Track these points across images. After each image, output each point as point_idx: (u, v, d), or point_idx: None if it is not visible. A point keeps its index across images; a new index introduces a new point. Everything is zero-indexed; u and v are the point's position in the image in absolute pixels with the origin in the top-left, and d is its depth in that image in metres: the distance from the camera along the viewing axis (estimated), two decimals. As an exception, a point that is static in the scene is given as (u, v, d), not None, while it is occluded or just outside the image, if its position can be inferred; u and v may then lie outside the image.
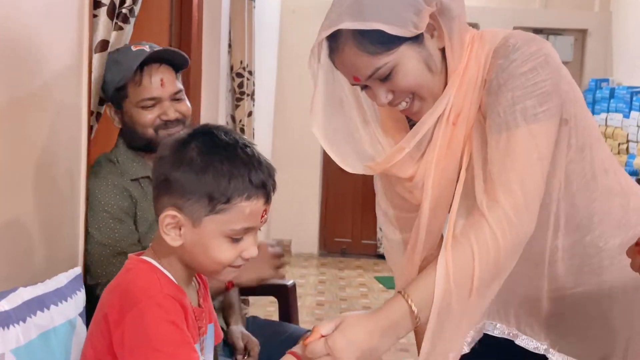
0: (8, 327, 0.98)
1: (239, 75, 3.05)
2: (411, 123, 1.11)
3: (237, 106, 3.07)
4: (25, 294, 1.06)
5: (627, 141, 4.23)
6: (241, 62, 3.05)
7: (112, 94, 1.47)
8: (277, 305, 1.96)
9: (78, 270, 1.25)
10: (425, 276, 0.96)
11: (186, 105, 1.50)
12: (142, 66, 1.43)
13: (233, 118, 3.07)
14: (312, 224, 5.24)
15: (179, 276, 0.99)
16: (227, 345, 1.66)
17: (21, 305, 1.03)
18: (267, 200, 0.97)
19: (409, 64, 0.99)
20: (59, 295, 1.14)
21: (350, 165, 1.09)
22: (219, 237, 0.94)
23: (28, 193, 1.21)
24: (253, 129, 3.27)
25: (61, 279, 1.18)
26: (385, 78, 1.00)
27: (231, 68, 3.05)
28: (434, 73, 1.02)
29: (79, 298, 1.20)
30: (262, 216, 0.97)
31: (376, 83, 1.02)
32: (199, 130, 0.99)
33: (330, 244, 5.29)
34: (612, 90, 4.52)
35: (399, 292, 0.96)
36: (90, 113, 1.44)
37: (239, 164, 0.94)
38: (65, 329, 1.11)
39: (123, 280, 0.97)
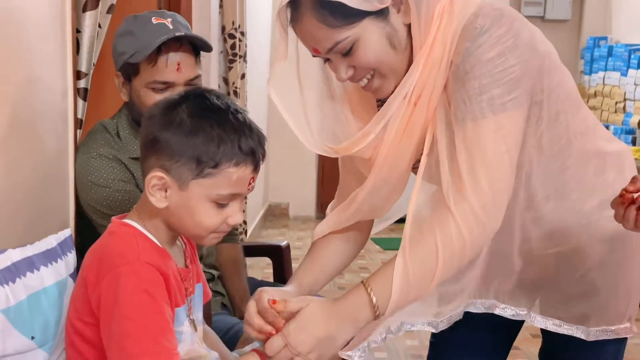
0: (-3, 288, 0.98)
1: (231, 36, 3.00)
2: (379, 103, 1.08)
3: (229, 68, 3.02)
4: (14, 255, 1.06)
5: (624, 100, 4.20)
6: (233, 23, 2.99)
7: (121, 66, 1.37)
8: (272, 267, 1.97)
9: (68, 232, 1.24)
10: (387, 268, 0.96)
11: None
12: (159, 45, 1.30)
13: (225, 80, 3.03)
14: (309, 187, 5.25)
15: (162, 238, 0.99)
16: (225, 306, 1.66)
17: (10, 266, 1.03)
18: (256, 168, 0.96)
19: (371, 39, 0.95)
20: (49, 257, 1.14)
21: (310, 142, 1.06)
22: (205, 202, 0.94)
23: (12, 153, 1.19)
24: (246, 92, 3.23)
25: (51, 241, 1.18)
26: (346, 53, 0.96)
27: (223, 29, 2.99)
28: (397, 50, 0.97)
29: (70, 260, 1.20)
30: (250, 183, 0.96)
31: (337, 57, 0.97)
32: (191, 93, 0.97)
33: (327, 206, 5.30)
34: (610, 48, 4.47)
35: (362, 282, 0.97)
36: (76, 73, 1.41)
37: (230, 129, 0.93)
38: (56, 290, 1.11)
39: (103, 244, 0.97)
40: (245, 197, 1.00)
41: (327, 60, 1.01)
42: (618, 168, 1.10)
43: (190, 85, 1.37)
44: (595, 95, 4.56)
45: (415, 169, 1.05)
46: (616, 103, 4.27)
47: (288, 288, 1.07)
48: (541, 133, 1.03)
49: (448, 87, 0.98)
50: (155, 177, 0.94)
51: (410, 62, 0.98)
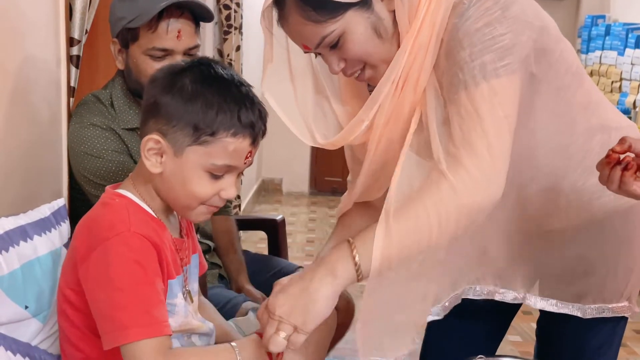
0: (-10, 256, 0.96)
1: (226, 7, 2.95)
2: (370, 88, 1.06)
3: (224, 40, 2.97)
4: (7, 223, 1.04)
5: (621, 79, 4.18)
6: (228, -6, 2.94)
7: (119, 32, 1.34)
8: (266, 242, 1.97)
9: (62, 201, 1.23)
10: (373, 228, 0.90)
11: None
12: (160, 10, 1.28)
13: (220, 52, 2.99)
14: (303, 163, 5.23)
15: (157, 207, 0.98)
16: (222, 278, 1.65)
17: (3, 235, 1.01)
18: (254, 142, 0.95)
19: (357, 31, 0.94)
20: (42, 226, 1.13)
21: (307, 137, 1.05)
22: (199, 170, 0.93)
23: (5, 122, 1.17)
24: (241, 64, 3.19)
25: (44, 210, 1.16)
26: (334, 46, 0.95)
27: (217, 0, 2.94)
28: (384, 39, 0.96)
29: (63, 229, 1.19)
30: (247, 157, 0.95)
31: (326, 51, 0.97)
32: (196, 62, 0.96)
33: (321, 183, 5.30)
34: (608, 27, 4.44)
35: (347, 240, 0.92)
36: (69, 40, 1.38)
37: (230, 99, 0.92)
38: (49, 260, 1.10)
39: (95, 215, 0.96)
40: (241, 173, 0.98)
41: (318, 54, 1.00)
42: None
43: (189, 55, 1.35)
44: (591, 74, 4.54)
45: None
46: (612, 82, 4.25)
47: None
48: (541, 108, 1.01)
49: (438, 67, 0.97)
50: (152, 139, 0.92)
51: (398, 48, 0.97)
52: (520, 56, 0.94)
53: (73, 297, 0.95)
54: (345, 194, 1.16)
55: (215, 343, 1.07)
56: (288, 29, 0.97)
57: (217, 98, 0.91)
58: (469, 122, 0.91)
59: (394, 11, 0.95)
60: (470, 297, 1.16)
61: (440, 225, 0.90)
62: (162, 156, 0.93)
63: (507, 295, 1.15)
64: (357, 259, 0.89)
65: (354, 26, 0.94)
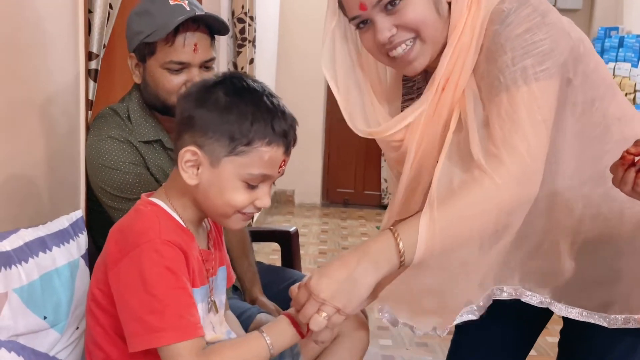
0: (10, 267, 0.98)
1: (241, 20, 2.98)
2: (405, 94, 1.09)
3: (238, 53, 3.01)
4: (27, 235, 1.06)
5: (635, 91, 4.16)
6: (242, 7, 2.98)
7: (136, 46, 1.36)
8: (279, 253, 1.97)
9: (79, 213, 1.24)
10: (417, 218, 0.94)
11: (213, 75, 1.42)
12: (177, 25, 1.30)
13: (235, 65, 3.02)
14: (315, 174, 5.24)
15: (188, 218, 0.99)
16: (236, 289, 1.66)
17: (22, 246, 1.03)
18: (287, 150, 0.97)
19: None
20: (61, 237, 1.14)
21: (355, 126, 1.08)
22: (236, 180, 0.95)
23: (26, 135, 1.19)
24: (255, 77, 3.22)
25: (63, 222, 1.18)
26: (393, 7, 0.97)
27: (232, 13, 2.98)
28: (441, 16, 0.99)
29: (81, 240, 1.20)
30: (281, 166, 0.97)
31: (381, 15, 0.98)
32: (227, 75, 0.99)
33: (333, 194, 5.30)
34: (622, 39, 4.42)
35: (389, 228, 0.95)
36: (88, 55, 1.40)
37: (264, 109, 0.94)
38: (68, 271, 1.12)
39: (128, 221, 0.98)
40: (273, 182, 1.00)
41: (361, 25, 1.00)
42: None
43: (205, 67, 1.37)
44: (605, 86, 4.53)
45: None
46: (626, 94, 4.24)
47: None
48: (578, 116, 1.03)
49: (478, 70, 0.99)
50: (189, 151, 0.94)
51: (446, 38, 1.00)
52: (559, 61, 0.97)
53: (100, 297, 0.97)
54: (388, 211, 1.15)
55: None
56: None
57: (251, 108, 0.94)
58: (509, 124, 0.94)
59: (449, 3, 0.99)
60: (499, 297, 1.15)
61: (482, 219, 0.94)
62: (198, 168, 0.95)
63: (533, 298, 1.15)
64: (401, 247, 0.92)
65: None
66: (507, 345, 1.27)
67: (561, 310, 1.14)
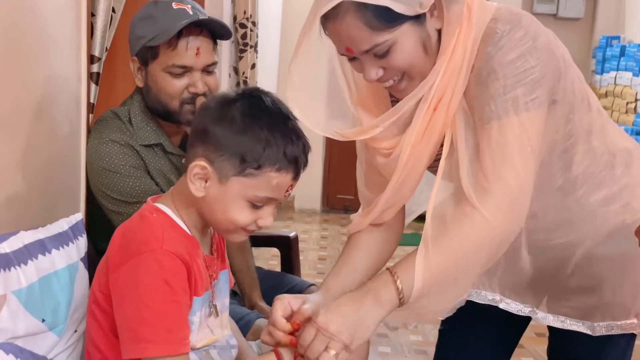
0: (9, 269, 0.98)
1: (243, 26, 2.99)
2: (393, 99, 1.08)
3: (240, 58, 3.02)
4: (26, 237, 1.06)
5: (636, 100, 4.16)
6: (245, 13, 2.99)
7: (139, 50, 1.36)
8: (279, 259, 1.97)
9: (79, 216, 1.24)
10: (412, 257, 0.97)
11: (215, 79, 1.40)
12: (180, 29, 1.30)
13: (236, 70, 3.03)
14: (315, 180, 5.23)
15: (193, 225, 1.00)
16: (235, 294, 1.65)
17: (22, 248, 1.03)
18: (296, 176, 0.97)
19: (407, 43, 0.96)
20: (61, 240, 1.14)
21: (318, 126, 1.06)
22: (241, 200, 0.95)
23: (27, 137, 1.19)
24: (256, 81, 3.22)
25: (62, 224, 1.18)
26: (381, 55, 0.96)
27: (234, 18, 2.99)
28: (429, 54, 0.98)
29: (81, 243, 1.20)
30: (287, 190, 0.97)
31: (369, 58, 0.98)
32: (247, 92, 0.99)
33: (333, 200, 5.30)
34: (623, 48, 4.43)
35: (387, 268, 0.98)
36: (90, 58, 1.41)
37: (278, 134, 0.94)
38: (67, 274, 1.12)
39: (132, 227, 0.98)
40: (279, 203, 1.01)
41: (352, 59, 1.01)
42: (627, 163, 1.11)
43: (207, 72, 1.37)
44: (606, 95, 4.53)
45: (431, 168, 1.07)
46: (627, 103, 4.24)
47: (315, 297, 1.05)
48: (555, 132, 1.04)
49: (469, 92, 0.99)
50: (199, 165, 0.95)
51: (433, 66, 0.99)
52: (548, 87, 0.98)
53: (102, 300, 0.97)
54: (355, 214, 1.17)
55: None
56: (336, 29, 0.96)
57: (266, 132, 0.93)
58: (499, 155, 0.95)
59: (439, 30, 0.98)
60: (474, 299, 1.17)
61: (475, 255, 0.97)
62: (206, 181, 0.96)
63: (511, 306, 1.17)
64: (399, 286, 0.95)
65: (406, 38, 0.95)
66: (491, 345, 1.28)
67: (544, 319, 1.16)
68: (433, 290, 0.97)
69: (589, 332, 1.13)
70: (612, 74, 4.47)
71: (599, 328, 1.13)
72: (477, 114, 0.98)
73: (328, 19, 0.96)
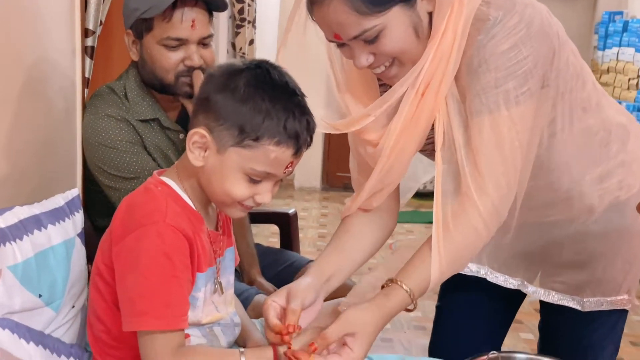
0: (4, 244, 0.97)
1: (239, 0, 2.95)
2: (382, 87, 1.06)
3: (237, 33, 2.98)
4: (22, 212, 1.05)
5: (638, 76, 4.12)
6: (242, -13, 2.94)
7: (133, 23, 1.34)
8: (278, 237, 1.96)
9: (76, 191, 1.23)
10: (418, 262, 0.99)
11: (212, 52, 1.38)
12: (174, 0, 1.28)
13: (233, 46, 2.99)
14: (315, 158, 5.22)
15: (197, 199, 0.99)
16: (235, 270, 1.65)
17: (17, 223, 1.02)
18: (297, 152, 0.94)
19: (398, 28, 0.93)
20: (57, 215, 1.13)
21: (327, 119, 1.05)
22: (238, 172, 0.94)
23: (22, 112, 1.18)
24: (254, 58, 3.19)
25: (58, 200, 1.17)
26: (371, 41, 0.93)
27: (232, -7, 2.94)
28: (420, 39, 0.95)
29: (77, 219, 1.19)
30: (287, 167, 0.95)
31: (359, 44, 0.95)
32: (255, 63, 0.96)
33: (333, 178, 5.29)
34: (626, 24, 4.38)
35: (394, 281, 0.98)
36: (84, 31, 1.38)
37: (279, 107, 0.92)
38: (63, 249, 1.11)
39: (136, 199, 0.97)
40: (281, 180, 0.99)
41: (341, 45, 0.98)
42: (622, 139, 1.10)
43: (203, 45, 1.35)
44: (608, 71, 4.49)
45: (422, 151, 1.06)
46: (629, 80, 4.20)
47: (306, 280, 1.04)
48: (546, 114, 1.02)
49: (460, 79, 0.97)
50: (198, 134, 0.94)
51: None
52: (540, 75, 0.96)
53: (105, 272, 0.97)
54: (348, 198, 1.16)
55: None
56: (323, 15, 0.94)
57: (267, 104, 0.91)
58: (491, 150, 0.96)
59: (430, 13, 0.95)
60: (463, 272, 1.18)
61: (473, 251, 1.01)
62: (205, 151, 0.94)
63: (500, 279, 1.18)
64: (413, 296, 0.97)
65: (395, 23, 0.93)
66: (487, 320, 1.29)
67: (535, 293, 1.16)
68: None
69: (578, 307, 1.14)
70: (615, 50, 4.43)
71: (589, 304, 1.14)
72: (468, 105, 0.97)
73: (314, 4, 0.94)
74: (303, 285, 1.01)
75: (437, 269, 0.96)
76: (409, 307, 0.98)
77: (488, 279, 1.18)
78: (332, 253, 1.09)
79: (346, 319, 0.94)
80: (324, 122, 1.04)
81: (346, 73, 1.05)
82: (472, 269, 1.19)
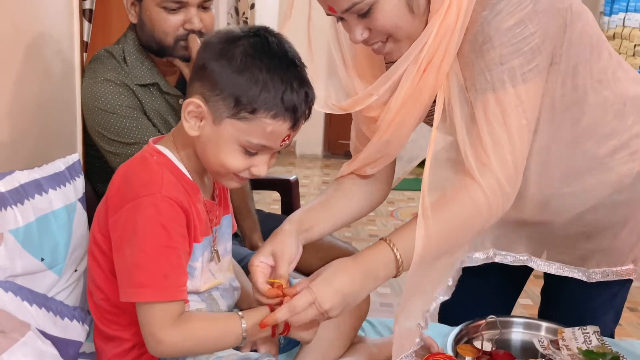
0: (5, 208, 0.97)
1: (241, -36, 2.90)
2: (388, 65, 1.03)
3: (239, -2, 2.93)
4: (22, 177, 1.05)
5: (644, 43, 4.07)
6: (243, -50, 2.89)
7: None
8: (280, 203, 1.97)
9: (76, 156, 1.23)
10: (410, 226, 0.96)
11: (212, 16, 1.35)
12: None
13: (237, 10, 2.95)
14: (317, 126, 5.21)
15: (193, 168, 0.98)
16: (236, 235, 1.66)
17: (18, 187, 1.02)
18: (294, 125, 0.92)
19: (390, 2, 0.90)
20: (57, 180, 1.13)
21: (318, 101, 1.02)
22: (234, 143, 0.92)
23: (20, 76, 1.16)
24: (255, 23, 3.15)
25: (58, 165, 1.17)
26: (363, 14, 0.91)
27: (232, -44, 2.89)
28: (415, 15, 0.92)
29: (78, 184, 1.19)
30: (284, 140, 0.93)
31: (353, 18, 0.93)
32: (253, 30, 0.93)
33: (334, 146, 5.29)
34: (633, -12, 4.30)
35: (383, 239, 0.96)
36: (82, -7, 1.36)
37: (277, 78, 0.89)
38: (65, 214, 1.11)
39: (133, 168, 0.96)
40: (278, 152, 0.96)
41: (340, 19, 0.96)
42: (638, 111, 1.07)
43: (203, 8, 1.33)
44: (613, 37, 4.43)
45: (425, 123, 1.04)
46: (635, 46, 4.15)
47: (287, 229, 1.03)
48: (557, 89, 1.00)
49: (463, 56, 0.94)
50: (193, 103, 0.92)
51: (425, 26, 0.94)
52: (548, 51, 0.93)
53: (101, 241, 0.97)
54: (347, 163, 1.15)
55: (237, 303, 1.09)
56: None
57: (264, 75, 0.88)
58: (496, 128, 0.93)
59: None
60: (468, 264, 1.16)
61: (472, 230, 0.98)
62: (201, 120, 0.92)
63: (507, 258, 1.17)
64: (399, 258, 0.94)
65: None
66: (495, 291, 1.29)
67: (540, 265, 1.16)
68: (427, 262, 0.96)
69: (584, 278, 1.14)
70: (621, 15, 4.36)
71: (594, 274, 1.14)
72: (471, 81, 0.94)
73: None
74: (287, 243, 1.00)
75: (422, 232, 0.93)
76: (397, 271, 0.95)
77: (496, 260, 1.17)
78: (317, 206, 1.09)
79: (325, 267, 0.95)
80: (331, 103, 1.03)
81: (352, 51, 1.03)
82: (480, 257, 1.17)
